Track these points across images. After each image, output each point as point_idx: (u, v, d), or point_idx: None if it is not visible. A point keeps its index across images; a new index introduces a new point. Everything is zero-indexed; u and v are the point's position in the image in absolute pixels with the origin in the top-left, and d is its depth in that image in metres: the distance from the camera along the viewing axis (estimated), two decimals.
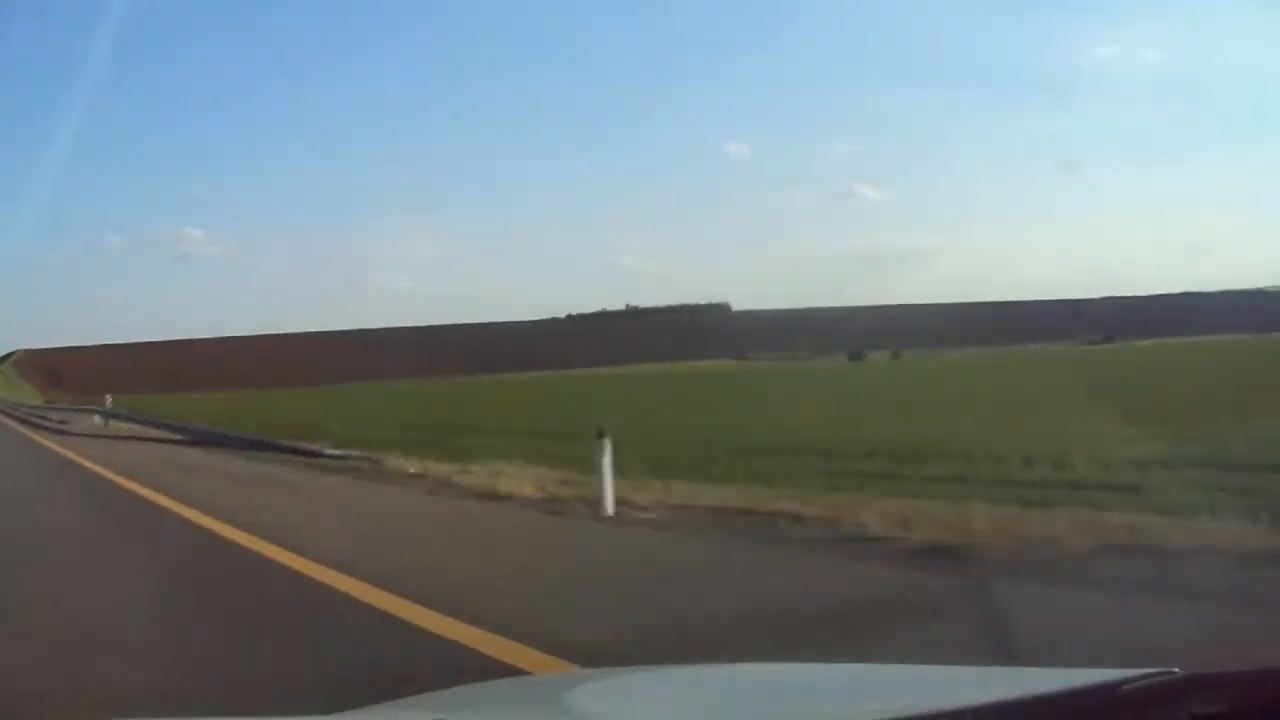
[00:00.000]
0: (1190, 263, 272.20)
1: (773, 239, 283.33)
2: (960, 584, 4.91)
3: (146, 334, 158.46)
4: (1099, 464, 10.24)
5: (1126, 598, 4.49)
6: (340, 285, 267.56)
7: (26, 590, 5.79)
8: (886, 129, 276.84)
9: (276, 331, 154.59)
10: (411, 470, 11.54)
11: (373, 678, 3.55)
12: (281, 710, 3.54)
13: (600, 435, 8.02)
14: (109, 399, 31.65)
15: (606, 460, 7.92)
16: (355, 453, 13.90)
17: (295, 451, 15.31)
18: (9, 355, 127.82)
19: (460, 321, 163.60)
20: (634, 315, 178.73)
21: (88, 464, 15.55)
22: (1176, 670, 1.46)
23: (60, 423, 32.31)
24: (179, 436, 21.67)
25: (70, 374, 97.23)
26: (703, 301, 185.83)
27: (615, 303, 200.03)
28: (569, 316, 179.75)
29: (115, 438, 23.60)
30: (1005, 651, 3.41)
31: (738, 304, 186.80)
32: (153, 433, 23.35)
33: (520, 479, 9.52)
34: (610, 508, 7.82)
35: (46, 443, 23.29)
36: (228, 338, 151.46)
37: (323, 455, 14.37)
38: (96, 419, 29.94)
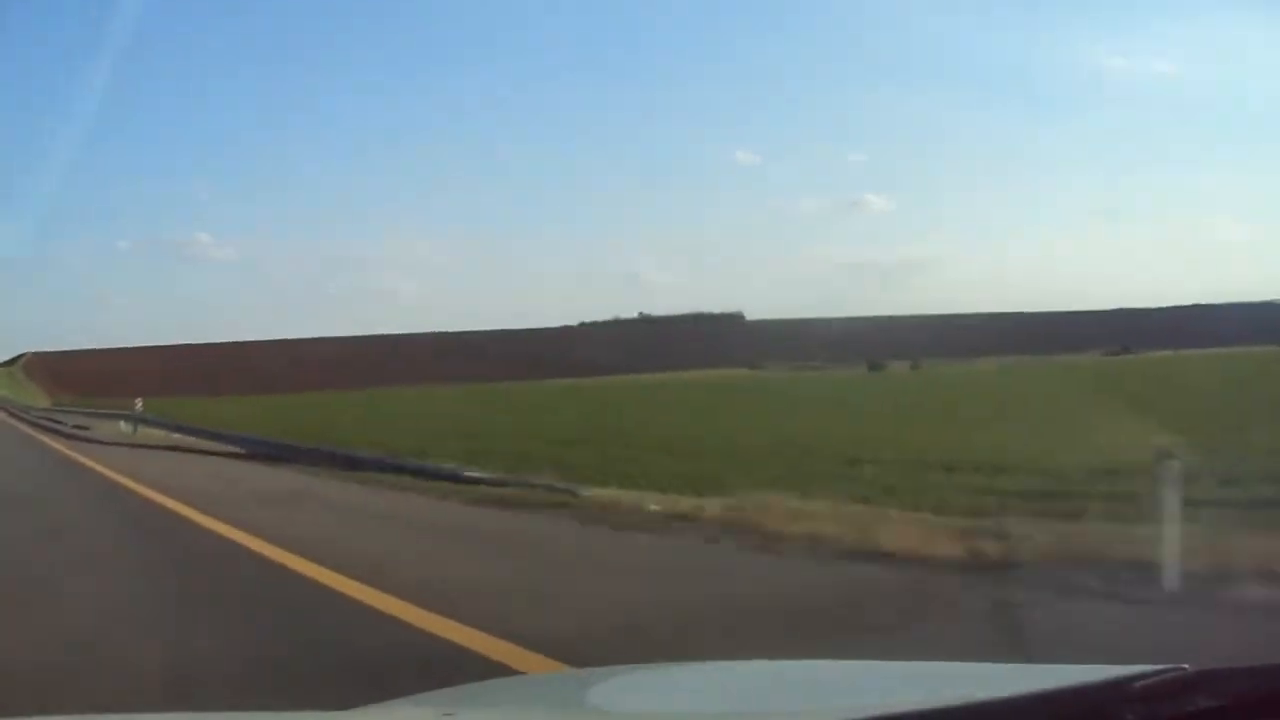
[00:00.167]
0: (1204, 273, 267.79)
1: (784, 248, 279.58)
2: None
3: (153, 338, 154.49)
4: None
5: None
6: (345, 290, 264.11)
7: None
8: (895, 137, 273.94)
9: (287, 336, 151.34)
10: (653, 507, 8.02)
11: None
12: None
13: (1167, 458, 4.72)
14: (139, 402, 28.00)
15: (1172, 495, 4.71)
16: (523, 479, 10.37)
17: (417, 473, 11.85)
18: (17, 358, 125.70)
19: (471, 329, 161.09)
20: (648, 323, 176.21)
21: (135, 486, 12.20)
22: (1186, 666, 1.43)
23: (78, 428, 29.31)
24: (233, 448, 18.04)
25: (78, 377, 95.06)
26: (716, 310, 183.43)
27: (627, 311, 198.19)
28: (582, 324, 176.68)
29: (152, 447, 20.32)
30: None
31: (751, 313, 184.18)
32: (196, 442, 19.86)
33: (897, 524, 6.20)
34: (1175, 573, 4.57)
35: (70, 452, 20.05)
36: (237, 342, 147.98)
37: (462, 479, 10.95)
38: (123, 425, 26.91)
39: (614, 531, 7.39)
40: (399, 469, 12.41)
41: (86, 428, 28.96)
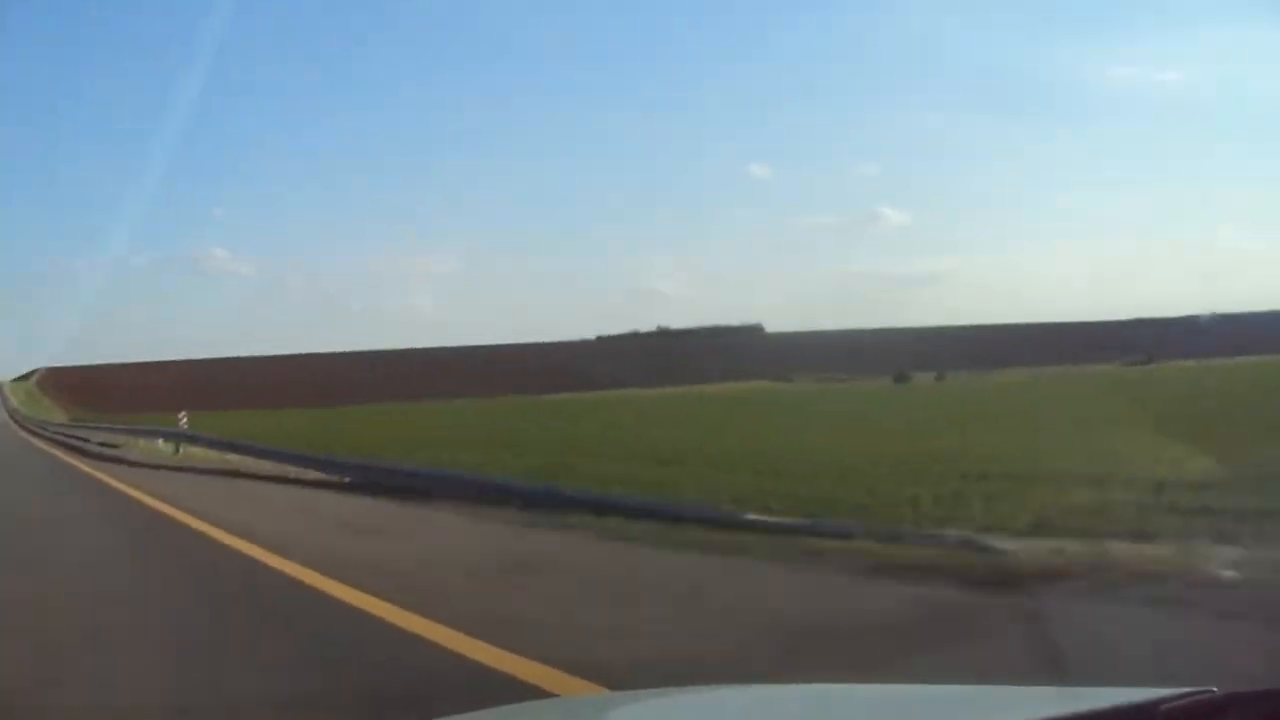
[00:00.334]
0: (1222, 282, 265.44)
1: (800, 261, 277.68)
2: None
3: (170, 353, 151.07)
4: None
5: None
6: (361, 305, 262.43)
7: None
8: (909, 150, 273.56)
9: (306, 351, 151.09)
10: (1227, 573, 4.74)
11: None
12: None
13: None
14: (184, 417, 24.64)
15: None
16: (927, 534, 6.85)
17: (670, 518, 8.03)
18: (32, 373, 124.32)
19: (489, 343, 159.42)
20: (666, 337, 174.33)
21: (223, 537, 8.54)
22: (1215, 689, 1.40)
23: (104, 445, 26.09)
24: (325, 475, 14.11)
25: (94, 391, 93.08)
26: (735, 323, 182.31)
27: (645, 324, 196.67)
28: (599, 338, 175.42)
29: (206, 472, 16.64)
30: None
31: (768, 326, 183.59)
32: (273, 467, 15.88)
33: None
34: None
35: (105, 478, 16.52)
36: (255, 357, 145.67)
37: (744, 523, 7.67)
38: (161, 443, 23.24)
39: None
40: (613, 508, 8.48)
41: (115, 445, 25.72)
